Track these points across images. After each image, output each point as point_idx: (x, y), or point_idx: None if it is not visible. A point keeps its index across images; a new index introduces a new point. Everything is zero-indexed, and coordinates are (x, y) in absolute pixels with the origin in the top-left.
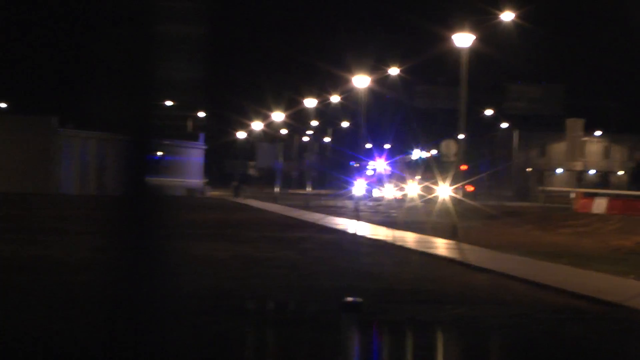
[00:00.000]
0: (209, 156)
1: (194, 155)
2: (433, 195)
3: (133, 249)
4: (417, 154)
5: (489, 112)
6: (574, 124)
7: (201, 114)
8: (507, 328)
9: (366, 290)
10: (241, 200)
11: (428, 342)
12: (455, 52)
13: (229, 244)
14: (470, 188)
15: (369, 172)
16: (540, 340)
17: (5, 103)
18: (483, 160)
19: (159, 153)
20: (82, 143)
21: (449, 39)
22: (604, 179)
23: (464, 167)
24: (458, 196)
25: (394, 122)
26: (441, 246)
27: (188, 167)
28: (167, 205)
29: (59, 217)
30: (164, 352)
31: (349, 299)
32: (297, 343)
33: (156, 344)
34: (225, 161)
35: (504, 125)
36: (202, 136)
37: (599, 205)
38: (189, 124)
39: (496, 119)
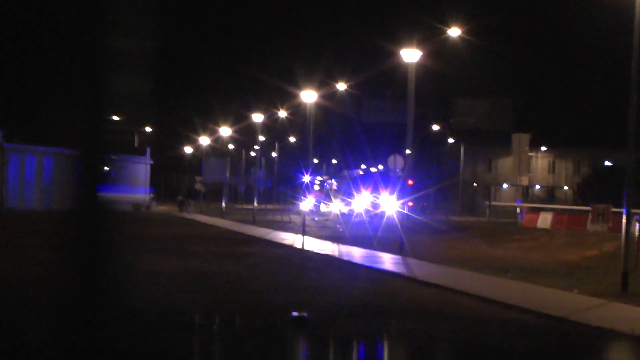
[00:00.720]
0: (155, 171)
1: (140, 169)
2: (380, 210)
3: (83, 263)
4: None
5: (436, 126)
6: (520, 139)
7: (148, 129)
8: (454, 342)
9: (313, 304)
10: (187, 215)
11: (375, 356)
12: (403, 67)
13: (177, 259)
14: (410, 203)
15: (316, 188)
16: (487, 354)
17: None
18: (430, 174)
19: (106, 167)
20: (27, 158)
21: (397, 54)
22: (550, 194)
23: (410, 182)
24: (404, 211)
25: (341, 137)
26: (388, 261)
27: (134, 182)
28: (114, 219)
29: (5, 231)
30: None
31: (296, 313)
32: (245, 357)
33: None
34: (172, 176)
35: (452, 140)
36: (148, 150)
37: (545, 219)
38: (136, 138)
39: (444, 133)
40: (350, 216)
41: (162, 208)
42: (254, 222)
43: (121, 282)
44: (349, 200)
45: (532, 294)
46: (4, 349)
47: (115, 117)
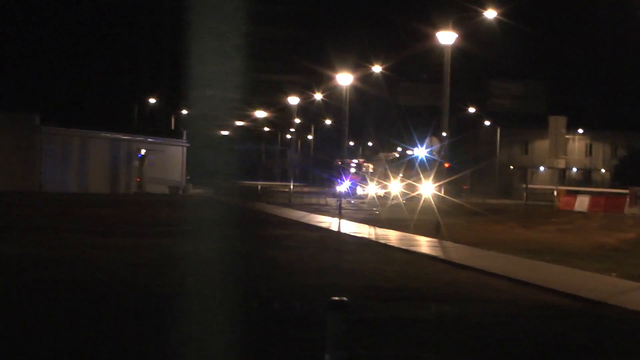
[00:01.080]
0: (191, 153)
1: (177, 152)
2: (416, 192)
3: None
4: (419, 152)
5: (472, 109)
6: (557, 122)
7: (184, 111)
8: (490, 326)
9: (350, 288)
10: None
11: (412, 340)
12: (439, 50)
13: (213, 242)
14: (465, 186)
15: (352, 170)
16: (523, 338)
17: None
18: (466, 157)
19: (143, 150)
20: (64, 141)
21: (432, 37)
22: (587, 177)
23: (446, 165)
24: (441, 194)
25: (377, 120)
26: (424, 244)
27: (171, 165)
28: (149, 203)
29: (43, 214)
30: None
31: (335, 298)
32: (282, 341)
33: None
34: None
35: (487, 122)
36: (185, 133)
37: (582, 202)
38: (172, 120)
39: (479, 116)
40: (387, 199)
41: (198, 190)
42: (289, 205)
43: (158, 265)
44: (385, 182)
45: (568, 276)
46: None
47: (151, 100)
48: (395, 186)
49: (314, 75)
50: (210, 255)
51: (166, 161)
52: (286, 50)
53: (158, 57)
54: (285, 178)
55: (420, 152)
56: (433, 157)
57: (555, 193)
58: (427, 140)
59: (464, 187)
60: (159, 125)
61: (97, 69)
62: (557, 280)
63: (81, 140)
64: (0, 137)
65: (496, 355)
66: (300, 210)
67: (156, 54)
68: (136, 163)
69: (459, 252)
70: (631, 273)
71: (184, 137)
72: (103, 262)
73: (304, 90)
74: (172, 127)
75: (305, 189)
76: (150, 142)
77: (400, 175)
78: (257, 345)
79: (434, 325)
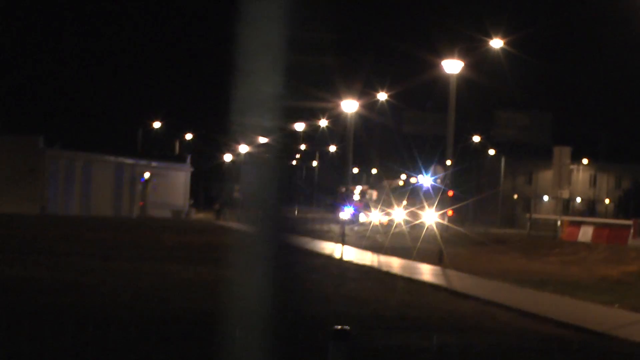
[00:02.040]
0: (195, 178)
1: (181, 177)
2: (419, 220)
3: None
4: (423, 180)
5: (476, 138)
6: (561, 152)
7: (188, 136)
8: (493, 357)
9: (353, 316)
10: (225, 222)
11: None
12: (445, 79)
13: (212, 268)
14: (450, 213)
15: (356, 197)
16: None
17: None
18: (470, 186)
19: (146, 174)
20: (67, 164)
21: (438, 66)
22: (591, 207)
23: (450, 193)
24: (444, 222)
25: (381, 148)
26: (427, 272)
27: (174, 189)
28: (151, 227)
29: (46, 237)
30: None
31: (337, 327)
32: None
33: None
34: (212, 184)
35: (492, 152)
36: (189, 158)
37: (585, 233)
38: (176, 145)
39: (484, 145)
40: (390, 226)
41: (200, 216)
42: (293, 231)
43: (158, 290)
44: (389, 210)
45: (571, 308)
46: None
47: (156, 124)
48: (399, 214)
49: (318, 102)
50: (210, 281)
51: (169, 185)
52: (291, 76)
53: (164, 82)
54: (289, 204)
55: (424, 180)
56: (437, 185)
57: (558, 223)
58: (431, 169)
59: (451, 212)
60: (163, 150)
61: (102, 93)
62: (560, 311)
63: (85, 163)
64: (5, 160)
65: None
66: (304, 236)
67: (163, 79)
68: (139, 187)
69: (461, 281)
70: (634, 305)
71: (188, 162)
72: (102, 286)
73: (309, 117)
74: (176, 152)
75: (309, 215)
76: (154, 167)
77: (404, 202)
78: None
79: (436, 355)
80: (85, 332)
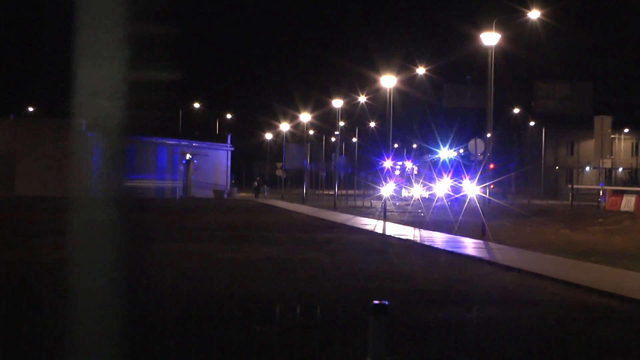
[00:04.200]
0: (237, 158)
1: (222, 156)
2: (461, 194)
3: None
4: (444, 153)
5: (517, 110)
6: (602, 122)
7: (229, 115)
8: (537, 328)
9: (395, 291)
10: (267, 201)
11: (457, 344)
12: (483, 51)
13: (259, 246)
14: (491, 186)
15: (397, 172)
16: (571, 341)
17: (34, 107)
18: (512, 158)
19: (188, 155)
20: (110, 146)
21: (477, 38)
22: (633, 176)
23: (491, 166)
24: (486, 195)
25: (422, 122)
26: (470, 245)
27: (216, 169)
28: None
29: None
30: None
31: (377, 301)
32: (325, 345)
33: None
34: (253, 162)
35: (532, 123)
36: (229, 137)
37: (628, 202)
38: (217, 125)
39: (524, 117)
40: (432, 201)
41: (242, 194)
42: (334, 208)
43: (203, 270)
44: (430, 184)
45: (616, 277)
46: None
47: (196, 104)
48: (440, 188)
49: (358, 77)
50: (253, 260)
51: (211, 165)
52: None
53: (204, 62)
54: (330, 181)
55: (465, 153)
56: (479, 159)
57: (601, 193)
58: (471, 142)
59: (491, 185)
60: (203, 130)
61: (141, 72)
62: (604, 281)
63: (127, 145)
64: (47, 144)
65: (543, 359)
66: (345, 213)
67: (200, 58)
68: (181, 167)
69: (504, 254)
70: None
71: (229, 141)
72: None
73: (348, 93)
74: (217, 132)
75: (350, 192)
76: (195, 147)
77: (445, 177)
78: (299, 349)
79: (480, 328)
80: (134, 313)
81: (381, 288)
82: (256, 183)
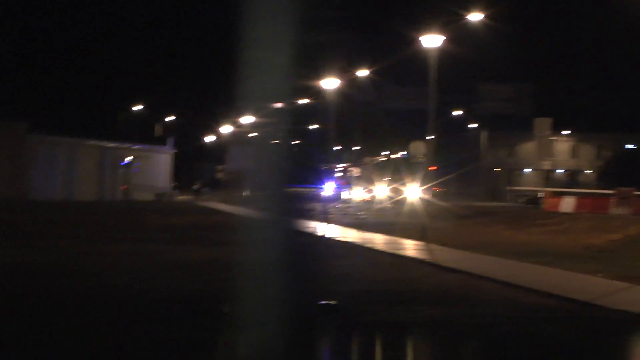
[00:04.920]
0: (178, 160)
1: (163, 159)
2: (402, 196)
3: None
4: (386, 155)
5: (458, 112)
6: (542, 123)
7: (170, 118)
8: (480, 328)
9: (340, 292)
10: (207, 203)
11: (403, 343)
12: (425, 53)
13: (197, 247)
14: (435, 189)
15: (338, 174)
16: (513, 340)
17: None
18: (452, 160)
19: (127, 158)
20: (50, 149)
21: (418, 40)
22: (572, 178)
23: (432, 168)
24: (427, 197)
25: (364, 124)
26: (411, 247)
27: (157, 171)
28: (134, 210)
29: (33, 222)
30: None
31: (324, 301)
32: (273, 345)
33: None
34: (195, 165)
35: (473, 125)
36: (171, 140)
37: (567, 203)
38: (158, 128)
39: (465, 119)
40: (372, 203)
41: (183, 197)
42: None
43: (147, 271)
44: (372, 186)
45: (556, 278)
46: None
47: (137, 107)
48: (381, 190)
49: (299, 80)
50: (198, 260)
51: (152, 168)
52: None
53: (143, 64)
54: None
55: (406, 155)
56: (418, 161)
57: (540, 195)
58: (412, 144)
59: (437, 188)
60: (144, 132)
61: (82, 76)
62: (545, 281)
63: (68, 147)
64: None
65: (486, 358)
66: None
67: (143, 61)
68: (122, 170)
69: (446, 255)
70: (619, 273)
71: (170, 144)
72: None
73: (289, 95)
74: (158, 134)
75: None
76: (135, 150)
77: (387, 179)
78: (244, 347)
79: (424, 328)
80: (83, 314)
81: (326, 289)
82: (196, 185)
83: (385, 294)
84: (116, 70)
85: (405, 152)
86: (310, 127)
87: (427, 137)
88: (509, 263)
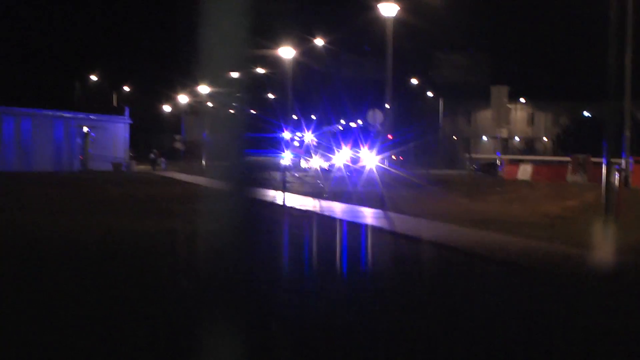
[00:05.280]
0: (135, 130)
1: (120, 129)
2: (359, 165)
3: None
4: (343, 124)
5: (416, 81)
6: (499, 92)
7: (126, 88)
8: (442, 293)
9: (299, 260)
10: (165, 173)
11: (366, 310)
12: (382, 22)
13: (151, 219)
14: (394, 157)
15: (296, 143)
16: (478, 304)
17: None
18: (410, 129)
19: (85, 128)
20: (5, 119)
21: (375, 9)
22: (530, 146)
23: (390, 136)
24: (385, 165)
25: (320, 93)
26: (370, 215)
27: (114, 142)
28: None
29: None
30: None
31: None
32: (220, 318)
33: None
34: (152, 135)
35: (431, 94)
36: (127, 110)
37: (525, 171)
38: (114, 97)
39: (423, 88)
40: (330, 171)
41: (141, 167)
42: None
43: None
44: (329, 155)
45: (516, 246)
46: None
47: (92, 77)
48: (340, 159)
49: (257, 48)
50: (155, 232)
51: (109, 138)
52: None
53: (100, 33)
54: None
55: (364, 124)
56: (377, 129)
57: (498, 163)
58: (370, 113)
59: (395, 157)
60: (101, 102)
61: (37, 45)
62: (505, 249)
63: (22, 118)
64: None
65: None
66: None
67: (97, 29)
68: (79, 140)
69: (403, 223)
70: (575, 240)
71: (127, 114)
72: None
73: (248, 64)
74: (114, 104)
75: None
76: (92, 120)
77: (344, 148)
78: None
79: (384, 295)
80: (42, 288)
81: (286, 257)
82: (152, 155)
83: (343, 262)
84: (72, 39)
85: (363, 121)
86: (269, 96)
87: (385, 106)
88: (466, 231)
